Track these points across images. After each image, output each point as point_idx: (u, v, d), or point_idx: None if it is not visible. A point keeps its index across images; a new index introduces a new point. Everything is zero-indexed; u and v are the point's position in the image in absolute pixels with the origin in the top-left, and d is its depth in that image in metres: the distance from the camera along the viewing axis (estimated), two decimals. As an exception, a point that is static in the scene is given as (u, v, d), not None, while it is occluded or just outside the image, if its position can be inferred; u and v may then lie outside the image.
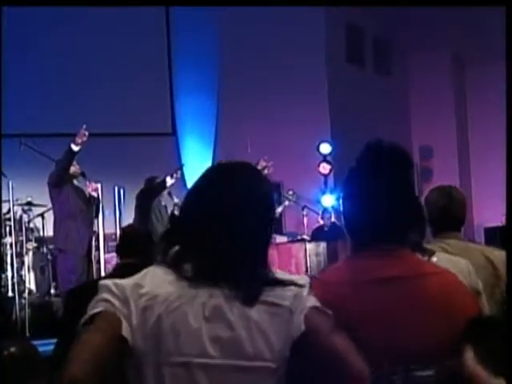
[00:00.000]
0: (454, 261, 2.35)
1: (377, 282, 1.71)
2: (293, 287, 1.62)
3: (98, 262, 8.13)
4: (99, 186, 7.84)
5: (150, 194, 8.39)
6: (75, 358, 1.54)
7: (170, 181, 8.39)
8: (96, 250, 8.29)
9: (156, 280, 1.63)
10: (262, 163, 8.84)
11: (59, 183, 7.41)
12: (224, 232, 1.64)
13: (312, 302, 1.63)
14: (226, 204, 1.66)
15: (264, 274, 1.64)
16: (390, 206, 1.75)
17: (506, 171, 2.62)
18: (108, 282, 1.63)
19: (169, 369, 1.58)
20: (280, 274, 1.67)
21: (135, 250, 3.32)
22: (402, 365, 1.67)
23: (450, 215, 2.96)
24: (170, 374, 1.58)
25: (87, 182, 7.75)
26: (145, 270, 1.68)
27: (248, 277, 1.61)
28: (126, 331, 1.58)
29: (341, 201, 1.84)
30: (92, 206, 7.75)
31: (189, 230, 1.68)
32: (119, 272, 3.25)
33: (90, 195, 7.76)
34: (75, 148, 7.24)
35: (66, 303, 3.48)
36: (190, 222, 1.70)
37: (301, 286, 1.63)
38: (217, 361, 1.57)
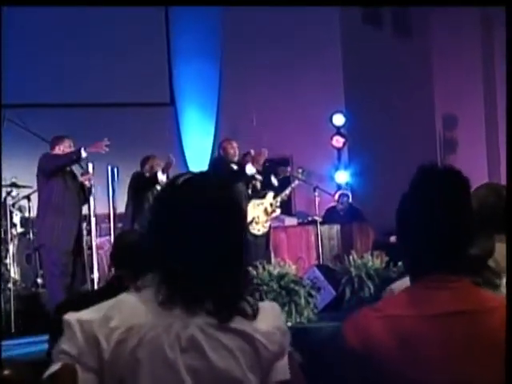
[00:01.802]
0: None
1: (442, 316, 1.80)
2: (264, 319, 1.74)
3: (90, 247, 8.11)
4: (91, 166, 7.77)
5: (141, 185, 8.28)
6: None
7: (161, 176, 8.07)
8: (88, 234, 8.29)
9: (127, 310, 1.70)
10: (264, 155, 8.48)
11: (50, 176, 7.38)
12: (196, 252, 1.70)
13: (288, 345, 1.78)
14: (198, 221, 1.70)
15: (238, 298, 1.73)
16: (452, 234, 1.83)
17: (506, 171, 2.63)
18: (72, 320, 1.67)
19: None
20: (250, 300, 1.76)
21: (127, 260, 3.31)
22: None
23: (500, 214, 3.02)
24: None
25: (81, 170, 7.73)
26: (114, 300, 1.73)
27: (223, 302, 1.71)
28: None
29: (397, 229, 1.91)
30: (84, 194, 7.72)
31: (158, 249, 1.73)
32: (115, 284, 3.34)
33: (82, 184, 7.71)
34: (84, 155, 7.26)
35: (52, 322, 3.50)
36: (159, 240, 1.74)
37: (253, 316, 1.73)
38: None
